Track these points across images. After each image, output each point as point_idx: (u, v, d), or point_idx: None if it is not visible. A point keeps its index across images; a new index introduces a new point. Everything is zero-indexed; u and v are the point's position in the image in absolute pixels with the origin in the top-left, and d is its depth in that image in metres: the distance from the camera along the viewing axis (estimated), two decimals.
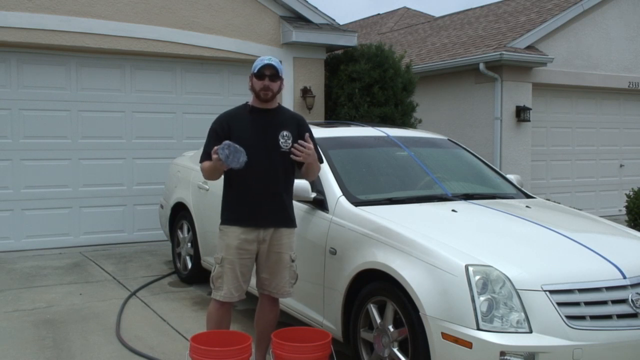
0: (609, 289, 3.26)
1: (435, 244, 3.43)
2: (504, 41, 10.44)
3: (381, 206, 4.09)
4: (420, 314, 3.25)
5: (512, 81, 10.32)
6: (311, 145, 3.60)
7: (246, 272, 3.68)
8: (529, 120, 10.39)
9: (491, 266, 3.20)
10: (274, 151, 3.64)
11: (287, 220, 3.73)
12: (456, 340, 3.09)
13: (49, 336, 4.57)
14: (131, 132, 8.05)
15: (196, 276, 6.01)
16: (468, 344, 3.04)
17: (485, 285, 3.14)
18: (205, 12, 8.18)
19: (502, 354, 2.98)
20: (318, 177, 4.04)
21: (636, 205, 8.58)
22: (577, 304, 3.16)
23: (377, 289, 3.61)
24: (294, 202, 3.90)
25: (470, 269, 3.17)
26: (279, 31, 8.67)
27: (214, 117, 3.80)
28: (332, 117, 9.06)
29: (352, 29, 10.14)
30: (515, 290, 3.12)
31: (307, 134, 3.66)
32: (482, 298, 3.10)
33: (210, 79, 8.51)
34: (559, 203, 5.55)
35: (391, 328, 3.50)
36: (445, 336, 3.13)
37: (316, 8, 8.84)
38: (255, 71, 3.63)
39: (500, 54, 9.80)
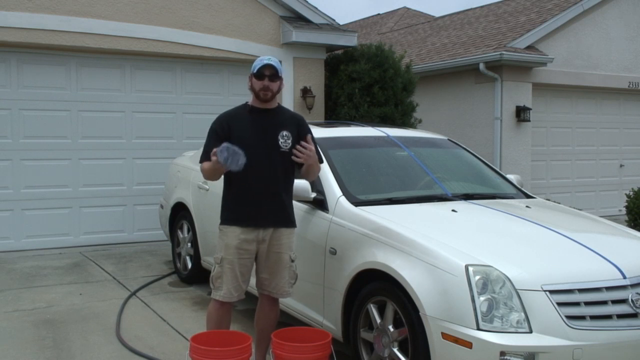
0: (609, 289, 3.26)
1: (435, 244, 3.43)
2: (504, 41, 10.44)
3: (381, 206, 4.09)
4: (420, 314, 3.25)
5: (512, 81, 10.33)
6: (312, 147, 3.61)
7: (245, 272, 3.68)
8: (529, 120, 10.40)
9: (491, 266, 3.20)
10: (274, 151, 3.64)
11: (287, 220, 3.73)
12: (456, 340, 3.09)
13: (49, 336, 4.57)
14: (131, 132, 8.05)
15: (196, 276, 6.01)
16: (468, 344, 3.04)
17: (485, 285, 3.14)
18: (205, 12, 8.18)
19: (502, 354, 2.98)
20: (318, 177, 4.04)
21: (636, 205, 8.58)
22: (577, 304, 3.16)
23: (377, 289, 3.61)
24: (294, 202, 3.90)
25: (470, 269, 3.17)
26: (279, 31, 8.67)
27: (214, 117, 3.79)
28: (332, 117, 9.06)
29: (352, 29, 10.14)
30: (515, 290, 3.12)
31: (308, 136, 3.66)
32: (482, 298, 3.10)
33: (210, 79, 8.51)
34: (559, 203, 5.54)
35: (391, 328, 3.50)
36: (445, 336, 3.13)
37: (316, 8, 8.84)
38: (255, 71, 3.62)
39: (500, 54, 9.80)
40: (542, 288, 3.14)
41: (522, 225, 3.89)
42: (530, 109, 10.38)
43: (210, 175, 3.64)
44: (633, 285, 3.29)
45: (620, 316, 3.20)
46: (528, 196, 4.93)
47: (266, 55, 3.77)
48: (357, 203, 4.09)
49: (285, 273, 3.73)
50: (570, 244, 3.60)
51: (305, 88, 8.76)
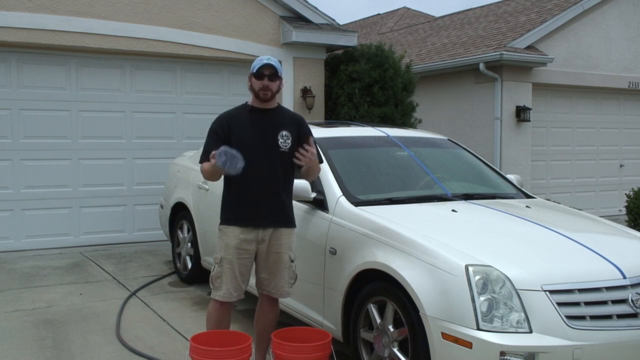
0: (609, 289, 3.26)
1: (435, 244, 3.43)
2: (504, 41, 10.44)
3: (381, 206, 4.09)
4: (420, 314, 3.25)
5: (512, 81, 10.32)
6: (314, 150, 3.60)
7: (245, 272, 3.68)
8: (529, 120, 10.40)
9: (491, 266, 3.20)
10: (274, 151, 3.63)
11: (287, 220, 3.73)
12: (456, 340, 3.08)
13: (49, 336, 4.57)
14: (131, 132, 8.05)
15: (196, 276, 6.01)
16: (468, 344, 3.04)
17: (485, 285, 3.14)
18: (205, 12, 8.18)
19: (502, 354, 2.98)
20: (318, 177, 4.04)
21: (636, 205, 8.58)
22: (577, 304, 3.16)
23: (377, 289, 3.61)
24: (294, 202, 3.90)
25: (470, 269, 3.17)
26: (279, 31, 8.67)
27: (214, 117, 3.79)
28: (332, 117, 9.06)
29: (352, 29, 10.14)
30: (515, 290, 3.12)
31: (310, 138, 3.66)
32: (482, 298, 3.10)
33: (210, 79, 8.51)
34: (559, 203, 5.54)
35: (391, 328, 3.50)
36: (445, 336, 3.13)
37: (316, 8, 8.84)
38: (254, 71, 3.62)
39: (500, 54, 9.80)
40: (542, 288, 3.13)
41: (522, 225, 3.89)
42: (530, 109, 10.38)
43: (209, 176, 3.64)
44: (633, 285, 3.29)
45: (620, 316, 3.20)
46: (528, 196, 4.93)
47: (266, 55, 3.77)
48: (357, 203, 4.09)
49: (284, 273, 3.73)
50: (570, 244, 3.60)
51: (305, 88, 8.76)
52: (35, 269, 6.58)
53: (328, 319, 4.03)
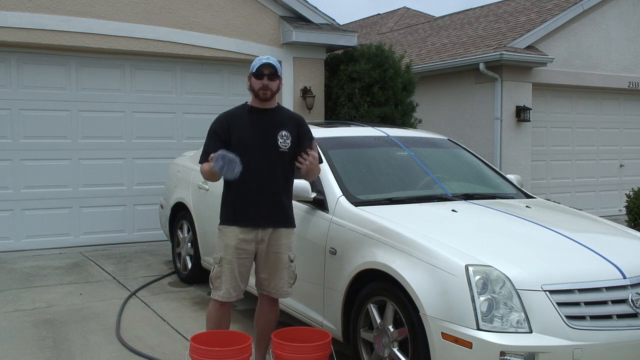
0: (609, 289, 3.25)
1: (435, 244, 3.43)
2: (504, 41, 10.44)
3: (381, 206, 4.09)
4: (420, 314, 3.25)
5: (512, 81, 10.32)
6: (315, 154, 3.61)
7: (244, 272, 3.68)
8: (529, 120, 10.40)
9: (491, 266, 3.20)
10: (273, 151, 3.63)
11: (286, 220, 3.73)
12: (456, 340, 3.08)
13: (49, 336, 4.57)
14: (131, 132, 8.05)
15: (196, 276, 6.01)
16: (468, 344, 3.04)
17: (485, 285, 3.14)
18: (205, 12, 8.18)
19: (502, 354, 2.98)
20: (318, 177, 4.04)
21: (636, 205, 8.58)
22: (577, 304, 3.16)
23: (377, 289, 3.61)
24: (294, 202, 3.90)
25: (470, 269, 3.17)
26: (279, 31, 8.67)
27: (214, 117, 3.80)
28: (332, 117, 9.06)
29: (352, 29, 10.14)
30: (515, 290, 3.12)
31: (313, 142, 3.66)
32: (482, 298, 3.10)
33: (210, 79, 8.51)
34: (559, 203, 5.54)
35: (391, 328, 3.50)
36: (445, 336, 3.13)
37: (316, 8, 8.84)
38: (254, 71, 3.62)
39: (500, 54, 9.80)
40: (542, 288, 3.13)
41: (522, 225, 3.89)
42: (530, 109, 10.38)
43: (209, 177, 3.64)
44: (633, 285, 3.29)
45: (620, 316, 3.20)
46: (528, 196, 4.93)
47: (266, 55, 3.77)
48: (357, 203, 4.09)
49: (284, 273, 3.73)
50: (570, 244, 3.60)
51: (305, 88, 8.76)
52: (35, 269, 6.58)
53: (328, 319, 4.03)
